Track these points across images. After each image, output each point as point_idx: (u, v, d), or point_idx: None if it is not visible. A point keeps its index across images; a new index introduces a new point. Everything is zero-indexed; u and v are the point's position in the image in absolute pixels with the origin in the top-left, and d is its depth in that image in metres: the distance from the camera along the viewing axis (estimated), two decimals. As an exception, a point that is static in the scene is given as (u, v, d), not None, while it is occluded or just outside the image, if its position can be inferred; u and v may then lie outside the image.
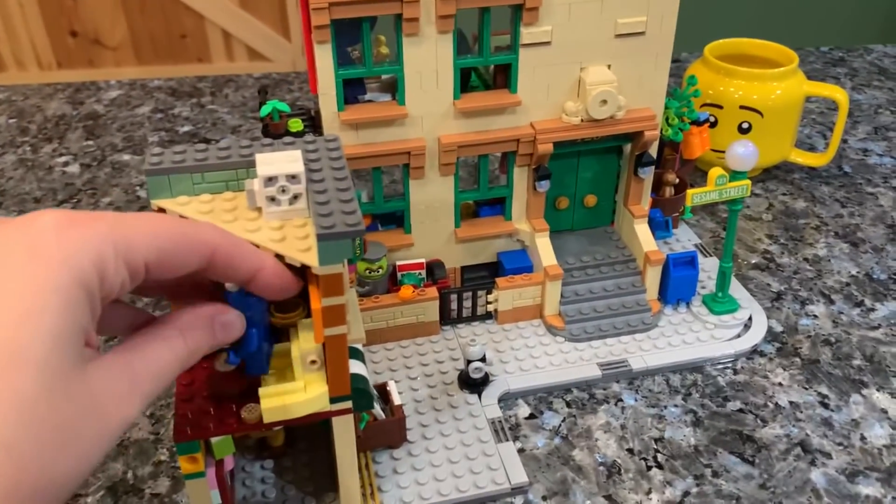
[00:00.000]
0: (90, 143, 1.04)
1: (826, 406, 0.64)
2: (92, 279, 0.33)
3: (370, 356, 0.68)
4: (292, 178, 0.47)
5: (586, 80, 0.64)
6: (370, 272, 0.67)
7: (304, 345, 0.47)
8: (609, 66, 0.65)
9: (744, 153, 0.64)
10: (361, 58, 0.62)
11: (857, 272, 0.79)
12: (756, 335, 0.70)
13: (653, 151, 0.70)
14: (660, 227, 0.79)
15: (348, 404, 0.49)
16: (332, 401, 0.48)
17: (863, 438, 0.61)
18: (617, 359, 0.67)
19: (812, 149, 1.00)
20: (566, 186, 0.72)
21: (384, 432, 0.59)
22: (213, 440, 0.50)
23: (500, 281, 0.70)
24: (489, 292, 0.71)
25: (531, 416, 0.64)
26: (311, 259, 0.45)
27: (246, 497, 0.56)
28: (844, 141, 1.01)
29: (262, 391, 0.47)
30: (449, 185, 0.68)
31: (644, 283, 0.71)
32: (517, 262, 0.71)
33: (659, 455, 0.60)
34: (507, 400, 0.65)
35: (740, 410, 0.64)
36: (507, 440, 0.60)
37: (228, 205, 0.49)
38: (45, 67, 2.31)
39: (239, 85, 1.18)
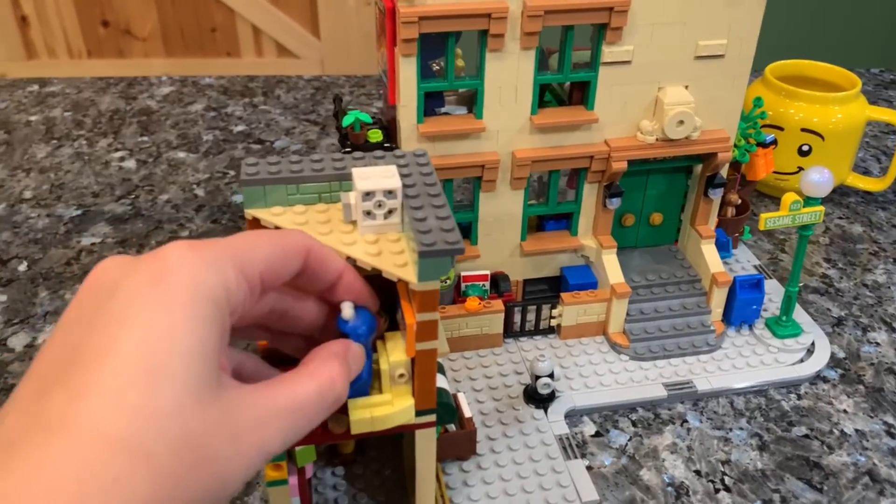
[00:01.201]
0: (145, 138, 1.04)
1: (892, 436, 0.64)
2: (219, 295, 0.34)
3: (434, 366, 0.68)
4: (389, 193, 0.47)
5: (664, 101, 0.64)
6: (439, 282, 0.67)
7: (394, 358, 0.48)
8: (686, 87, 0.66)
9: (819, 180, 0.64)
10: (442, 71, 0.63)
11: (918, 300, 0.79)
12: (819, 361, 0.70)
13: (723, 173, 0.70)
14: (721, 248, 0.79)
15: (433, 418, 0.50)
16: (418, 414, 0.49)
17: (931, 470, 0.61)
18: (682, 379, 0.67)
19: (867, 172, 1.00)
20: (633, 203, 0.72)
21: (455, 444, 0.59)
22: (297, 448, 0.50)
23: (565, 296, 0.70)
24: (553, 307, 0.71)
25: (597, 434, 0.64)
26: (409, 275, 0.45)
27: (318, 504, 0.57)
28: (899, 165, 1.01)
29: (351, 403, 0.47)
30: (519, 198, 0.69)
31: (709, 304, 0.71)
32: (582, 278, 0.71)
33: (726, 478, 0.60)
34: (572, 416, 0.65)
35: (806, 436, 0.64)
36: (576, 457, 0.60)
37: (322, 216, 0.49)
38: (76, 56, 2.32)
39: (290, 86, 1.18)
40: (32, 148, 1.02)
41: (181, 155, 1.01)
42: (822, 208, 0.66)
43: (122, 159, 1.00)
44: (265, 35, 2.27)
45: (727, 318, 0.72)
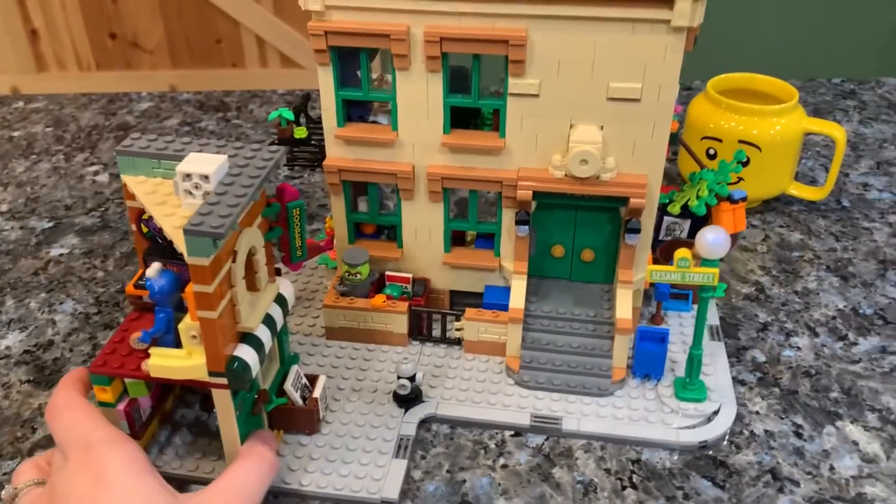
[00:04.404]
0: (119, 153, 1.09)
1: (800, 436, 0.66)
2: None
3: (336, 350, 0.73)
4: (205, 177, 0.52)
5: (571, 138, 0.65)
6: (350, 275, 0.72)
7: (188, 320, 0.53)
8: (602, 127, 0.64)
9: (714, 241, 0.60)
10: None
11: (844, 306, 0.81)
12: (713, 430, 0.66)
13: (650, 220, 0.68)
14: (678, 300, 0.78)
15: (224, 380, 0.54)
16: (211, 374, 0.54)
17: (832, 469, 0.63)
18: (551, 414, 0.67)
19: (813, 182, 1.02)
20: (563, 236, 0.72)
21: (293, 418, 0.64)
22: (128, 381, 0.59)
23: (469, 311, 0.72)
24: (458, 319, 0.73)
25: (517, 434, 0.67)
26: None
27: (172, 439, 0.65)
28: (846, 175, 1.03)
29: (152, 350, 0.54)
30: (438, 211, 0.71)
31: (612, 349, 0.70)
32: (497, 298, 0.73)
33: (634, 476, 0.63)
34: (429, 422, 0.67)
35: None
36: (404, 458, 0.63)
37: (168, 190, 0.55)
38: (85, 69, 2.38)
39: (264, 101, 1.23)
40: (12, 163, 1.07)
41: (152, 169, 1.06)
42: (716, 270, 0.62)
43: (96, 173, 1.05)
44: (269, 45, 2.32)
45: (634, 368, 0.70)
